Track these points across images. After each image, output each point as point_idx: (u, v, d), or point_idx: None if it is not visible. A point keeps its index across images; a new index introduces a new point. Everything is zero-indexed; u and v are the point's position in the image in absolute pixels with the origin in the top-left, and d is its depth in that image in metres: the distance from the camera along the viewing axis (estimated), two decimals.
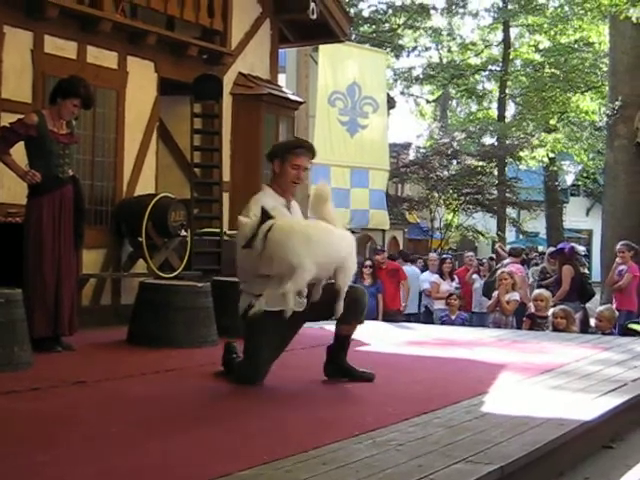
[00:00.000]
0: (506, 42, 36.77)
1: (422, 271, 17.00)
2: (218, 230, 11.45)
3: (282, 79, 16.14)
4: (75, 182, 8.11)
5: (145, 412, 5.43)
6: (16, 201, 9.14)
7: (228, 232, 11.22)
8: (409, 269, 16.04)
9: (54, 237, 7.80)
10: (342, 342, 6.81)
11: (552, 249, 14.95)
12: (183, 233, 10.78)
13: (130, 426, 4.96)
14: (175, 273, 10.62)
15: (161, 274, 10.36)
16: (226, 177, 11.95)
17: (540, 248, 32.61)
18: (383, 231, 23.05)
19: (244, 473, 3.94)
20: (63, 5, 9.79)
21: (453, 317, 14.15)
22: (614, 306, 12.77)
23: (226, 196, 11.83)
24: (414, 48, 38.84)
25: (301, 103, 14.18)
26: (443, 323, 13.85)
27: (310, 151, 6.76)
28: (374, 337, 9.99)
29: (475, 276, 15.86)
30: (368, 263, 14.55)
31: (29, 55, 9.73)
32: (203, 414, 5.44)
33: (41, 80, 9.75)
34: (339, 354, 6.82)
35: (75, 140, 8.23)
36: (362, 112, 17.10)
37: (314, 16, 13.15)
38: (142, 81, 10.99)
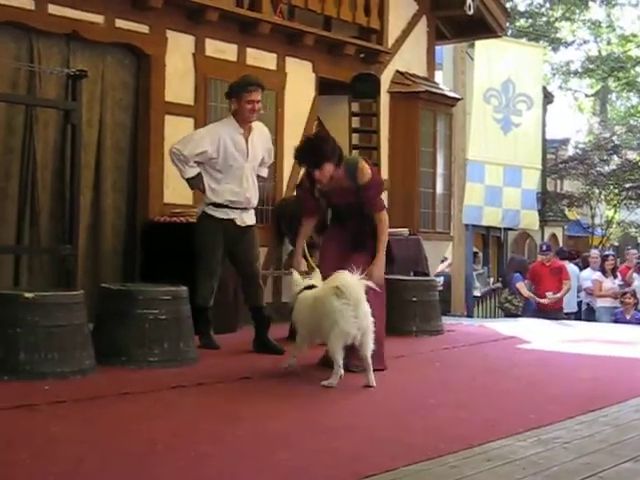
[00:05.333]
0: None
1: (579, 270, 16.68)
2: None
3: (439, 76, 16.08)
4: None
5: (306, 409, 5.49)
6: (180, 201, 9.39)
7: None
8: (568, 267, 15.75)
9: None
10: (255, 317, 7.93)
11: None
12: None
13: (289, 422, 5.02)
14: None
15: None
16: (384, 175, 11.96)
17: None
18: (542, 227, 22.73)
19: (410, 468, 3.95)
20: (223, 8, 10.00)
21: (628, 316, 13.81)
22: None
23: (385, 194, 11.84)
24: (572, 41, 38.26)
25: (458, 100, 14.09)
26: (617, 322, 13.53)
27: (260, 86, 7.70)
28: (536, 335, 9.88)
29: (635, 275, 15.47)
30: None
31: (191, 58, 9.96)
32: (364, 411, 5.48)
33: (203, 83, 9.97)
34: (259, 330, 7.87)
35: None
36: (516, 110, 16.88)
37: (471, 12, 13.08)
38: (301, 81, 11.11)
